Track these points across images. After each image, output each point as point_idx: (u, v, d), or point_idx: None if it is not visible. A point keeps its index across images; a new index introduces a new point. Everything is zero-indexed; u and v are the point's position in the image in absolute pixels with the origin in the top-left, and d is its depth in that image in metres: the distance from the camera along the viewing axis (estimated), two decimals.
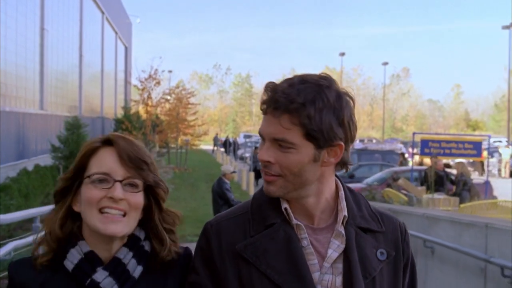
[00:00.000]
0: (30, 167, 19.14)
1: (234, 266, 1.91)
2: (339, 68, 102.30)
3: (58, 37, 26.96)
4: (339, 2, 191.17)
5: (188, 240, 12.16)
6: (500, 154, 38.64)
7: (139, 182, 1.90)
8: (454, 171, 18.19)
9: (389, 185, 18.59)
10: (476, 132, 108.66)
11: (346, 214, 1.92)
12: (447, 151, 18.32)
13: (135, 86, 38.07)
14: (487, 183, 19.12)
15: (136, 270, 1.92)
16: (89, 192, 1.85)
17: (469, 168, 34.87)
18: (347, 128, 1.86)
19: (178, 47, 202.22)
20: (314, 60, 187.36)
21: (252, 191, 25.50)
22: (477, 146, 18.88)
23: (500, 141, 56.35)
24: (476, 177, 23.56)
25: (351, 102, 1.90)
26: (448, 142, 18.76)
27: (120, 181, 1.86)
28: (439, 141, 18.81)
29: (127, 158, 1.88)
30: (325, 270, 1.88)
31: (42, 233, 1.99)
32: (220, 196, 12.02)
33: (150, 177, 1.93)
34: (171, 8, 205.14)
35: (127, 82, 52.50)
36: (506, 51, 53.71)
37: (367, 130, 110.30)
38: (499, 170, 37.67)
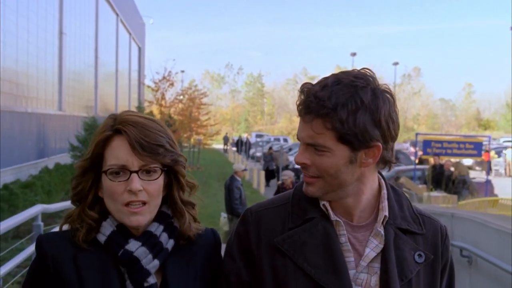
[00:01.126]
0: (50, 166, 20.12)
1: (270, 257, 1.91)
2: (350, 68, 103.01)
3: (75, 40, 27.96)
4: (351, 1, 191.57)
5: None
6: (505, 154, 39.26)
7: (156, 168, 1.88)
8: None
9: (397, 184, 19.40)
10: (487, 132, 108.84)
11: (387, 214, 1.89)
12: (449, 151, 19.09)
13: (148, 86, 39.04)
14: (487, 182, 19.85)
15: (168, 243, 1.93)
16: (111, 187, 1.85)
17: (477, 168, 35.66)
18: (385, 127, 1.82)
19: (190, 46, 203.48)
20: (326, 59, 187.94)
21: (262, 189, 26.32)
22: (477, 146, 19.67)
23: (510, 141, 56.70)
24: (478, 176, 24.25)
25: (390, 99, 1.86)
26: (449, 142, 19.56)
27: (136, 172, 1.84)
28: (441, 142, 19.60)
29: (139, 147, 1.84)
30: (361, 269, 1.87)
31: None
32: (231, 193, 12.90)
33: (167, 158, 1.90)
34: (183, 7, 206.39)
35: (140, 82, 53.49)
36: None
37: None
38: (505, 169, 38.30)
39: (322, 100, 1.78)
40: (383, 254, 1.85)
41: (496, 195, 19.54)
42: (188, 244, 1.99)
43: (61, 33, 24.69)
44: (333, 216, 1.88)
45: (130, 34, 49.38)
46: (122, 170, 1.84)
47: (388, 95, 1.85)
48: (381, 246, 1.87)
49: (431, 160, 18.64)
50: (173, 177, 1.95)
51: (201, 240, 2.03)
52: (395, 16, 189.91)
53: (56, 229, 6.04)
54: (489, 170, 23.75)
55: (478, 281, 6.61)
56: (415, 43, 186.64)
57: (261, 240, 1.93)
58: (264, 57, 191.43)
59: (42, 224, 5.60)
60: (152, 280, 1.87)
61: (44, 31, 22.23)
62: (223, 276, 2.00)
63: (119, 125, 1.86)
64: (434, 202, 15.13)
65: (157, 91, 35.69)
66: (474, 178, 22.74)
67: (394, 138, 1.87)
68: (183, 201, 1.98)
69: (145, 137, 1.84)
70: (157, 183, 1.89)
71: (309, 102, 1.80)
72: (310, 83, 1.86)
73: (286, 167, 30.13)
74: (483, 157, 38.32)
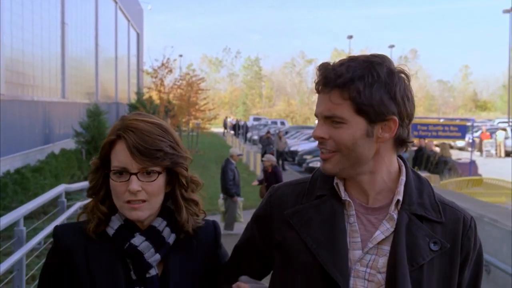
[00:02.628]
0: (56, 151, 21.14)
1: (280, 228, 1.99)
2: (347, 50, 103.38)
3: (76, 29, 28.87)
4: None
5: None
6: (496, 135, 40.17)
7: (155, 169, 1.97)
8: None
9: None
10: (484, 113, 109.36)
11: (401, 199, 1.88)
12: (434, 133, 20.02)
13: (148, 73, 39.90)
14: (471, 162, 20.82)
15: (170, 237, 2.05)
16: (114, 186, 1.97)
17: (469, 149, 36.58)
18: (401, 103, 1.83)
19: (188, 29, 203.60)
20: (323, 42, 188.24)
21: (258, 171, 27.20)
22: (462, 128, 20.63)
23: (506, 122, 57.46)
24: (464, 157, 25.20)
25: (406, 79, 1.87)
26: (435, 125, 20.51)
27: (136, 174, 1.94)
28: (427, 125, 20.54)
29: (137, 152, 1.93)
30: (368, 250, 1.86)
31: (85, 202, 2.16)
32: (225, 175, 13.93)
33: (167, 161, 1.99)
34: None
35: (139, 68, 54.31)
36: (510, 34, 54.95)
37: None
38: (496, 150, 39.24)
39: (340, 72, 1.82)
40: (394, 238, 1.84)
41: (480, 175, 20.47)
42: (188, 237, 2.09)
43: (63, 23, 25.60)
44: (344, 196, 1.91)
45: (128, 20, 50.08)
46: (123, 172, 1.95)
47: (403, 75, 1.88)
48: (392, 229, 1.85)
49: (416, 142, 19.57)
50: (174, 176, 2.05)
51: (201, 232, 2.14)
52: None
53: (76, 206, 7.02)
54: (471, 151, 24.52)
55: None
56: (413, 24, 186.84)
57: (275, 213, 2.01)
58: (263, 40, 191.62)
59: (65, 200, 6.63)
60: (153, 272, 2.01)
61: (47, 22, 23.18)
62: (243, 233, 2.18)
63: (120, 131, 1.98)
64: None
65: (156, 77, 36.65)
66: (460, 159, 23.77)
67: (409, 116, 1.88)
68: (185, 198, 2.08)
69: (143, 143, 1.93)
70: (156, 184, 1.98)
71: (327, 74, 1.85)
72: (326, 62, 1.92)
73: (287, 152, 31.01)
74: (481, 137, 39.54)
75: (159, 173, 1.98)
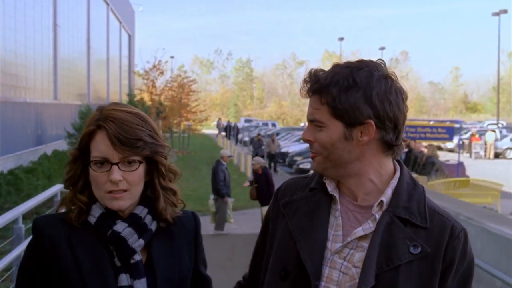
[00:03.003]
0: (48, 152, 21.34)
1: (277, 216, 2.09)
2: (338, 52, 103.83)
3: (68, 31, 29.07)
4: None
5: None
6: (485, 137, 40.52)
7: (136, 158, 1.98)
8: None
9: None
10: (475, 115, 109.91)
11: (385, 200, 1.90)
12: (423, 135, 20.33)
13: (139, 75, 40.09)
14: (459, 164, 21.14)
15: (152, 224, 2.07)
16: (95, 176, 1.98)
17: (458, 150, 36.93)
18: (378, 106, 1.86)
19: (180, 31, 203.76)
20: (315, 43, 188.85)
21: (249, 173, 27.45)
22: (449, 130, 20.96)
23: (495, 124, 57.93)
24: (452, 158, 25.50)
25: (388, 81, 1.91)
26: (423, 127, 20.84)
27: (117, 163, 1.95)
28: (415, 126, 20.84)
29: (118, 142, 1.94)
30: (347, 244, 1.91)
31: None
32: (215, 175, 14.18)
33: (146, 150, 1.99)
34: None
35: (131, 69, 54.49)
36: (504, 35, 55.48)
37: None
38: (485, 152, 39.59)
39: (319, 78, 1.91)
40: (371, 236, 1.88)
41: (467, 176, 20.79)
42: (169, 225, 2.11)
43: (55, 25, 25.80)
44: (330, 190, 1.97)
45: (120, 22, 50.26)
46: (104, 162, 1.95)
47: (393, 81, 1.91)
48: (373, 228, 1.89)
49: (407, 143, 19.85)
50: (154, 165, 2.06)
51: (181, 221, 2.15)
52: (385, 0, 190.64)
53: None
54: (459, 152, 24.81)
55: None
56: (404, 26, 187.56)
57: (277, 202, 2.11)
58: (254, 42, 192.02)
59: None
60: (137, 257, 2.01)
61: (40, 25, 23.38)
62: None
63: (100, 121, 1.97)
64: None
65: (147, 79, 36.89)
66: (448, 160, 24.09)
67: (393, 119, 1.89)
68: (163, 186, 2.09)
69: (124, 132, 1.93)
70: (137, 173, 1.99)
71: (309, 80, 1.94)
72: (313, 69, 1.98)
73: (279, 153, 31.09)
74: (470, 139, 39.91)
75: (140, 162, 1.99)
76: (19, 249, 5.38)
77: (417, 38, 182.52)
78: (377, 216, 1.89)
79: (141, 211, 2.04)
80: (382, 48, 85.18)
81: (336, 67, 1.93)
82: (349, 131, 1.88)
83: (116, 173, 1.94)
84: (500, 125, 56.11)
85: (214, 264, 10.55)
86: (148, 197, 2.08)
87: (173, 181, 2.15)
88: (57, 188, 7.02)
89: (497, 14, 55.89)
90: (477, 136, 40.74)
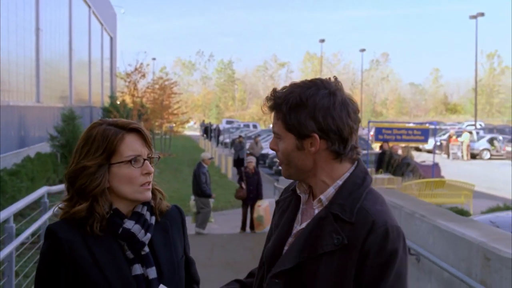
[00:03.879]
0: (31, 154, 21.57)
1: (273, 214, 2.44)
2: (319, 53, 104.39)
3: (50, 34, 29.25)
4: None
5: None
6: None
7: (153, 156, 2.33)
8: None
9: None
10: (455, 116, 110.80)
11: (323, 197, 2.15)
12: (398, 137, 20.65)
13: (121, 77, 40.33)
14: (433, 165, 21.59)
15: (151, 219, 2.34)
16: (130, 172, 2.25)
17: (436, 151, 37.49)
18: (321, 121, 2.10)
19: (161, 32, 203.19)
20: (296, 45, 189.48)
21: (230, 174, 27.81)
22: (424, 132, 21.41)
23: (473, 125, 58.74)
24: (428, 159, 25.97)
25: (331, 98, 2.12)
26: (399, 129, 21.23)
27: (146, 159, 2.29)
28: (391, 129, 21.25)
29: (147, 141, 2.31)
30: (293, 234, 2.22)
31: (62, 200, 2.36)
32: (196, 177, 14.60)
33: (152, 148, 2.35)
34: None
35: (112, 72, 54.61)
36: (481, 37, 56.27)
37: None
38: (462, 153, 40.24)
39: (275, 97, 2.18)
40: None
41: (442, 177, 21.26)
42: (163, 219, 2.40)
43: (37, 29, 26.02)
44: (298, 192, 2.26)
45: (102, 25, 50.26)
46: (138, 159, 2.26)
47: (336, 97, 2.12)
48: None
49: (383, 145, 20.26)
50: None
51: (170, 215, 2.44)
52: (365, 1, 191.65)
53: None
54: (434, 154, 25.20)
55: None
56: (384, 28, 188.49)
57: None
58: (236, 44, 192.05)
59: (47, 201, 7.27)
60: (147, 249, 2.29)
61: (22, 29, 23.61)
62: None
63: (136, 126, 2.30)
64: (380, 183, 16.83)
65: (129, 82, 37.13)
66: (424, 161, 24.62)
67: (336, 132, 2.10)
68: (153, 185, 2.39)
69: (149, 135, 2.34)
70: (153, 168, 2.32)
71: (269, 98, 2.21)
72: (275, 88, 2.26)
73: (260, 155, 31.30)
74: (449, 141, 40.50)
75: (150, 158, 2.32)
76: (11, 247, 5.77)
77: (398, 40, 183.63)
78: (316, 211, 2.16)
79: (142, 208, 2.32)
80: (363, 50, 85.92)
81: (292, 86, 2.19)
82: (300, 142, 2.14)
83: (150, 166, 2.29)
84: (479, 126, 56.98)
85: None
86: None
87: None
88: (44, 190, 7.41)
89: (475, 17, 56.79)
90: (454, 137, 41.41)
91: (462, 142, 40.12)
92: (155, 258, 2.31)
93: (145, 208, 2.34)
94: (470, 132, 42.27)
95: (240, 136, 31.56)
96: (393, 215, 2.18)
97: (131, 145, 2.27)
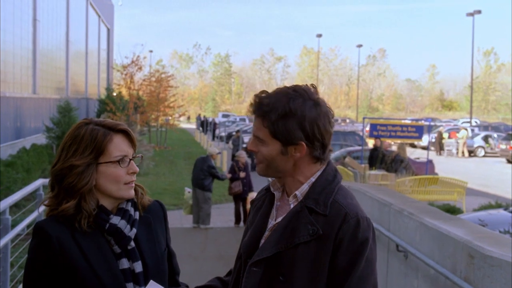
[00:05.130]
0: (27, 146, 21.65)
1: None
2: (316, 48, 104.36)
3: (48, 25, 29.32)
4: None
5: (167, 209, 14.76)
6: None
7: (137, 156, 2.42)
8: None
9: (343, 163, 21.22)
10: (451, 112, 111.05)
11: (298, 193, 2.29)
12: (393, 133, 20.76)
13: (118, 70, 40.29)
14: (427, 161, 21.71)
15: (135, 214, 2.42)
16: (117, 172, 2.34)
17: (432, 148, 37.59)
18: (309, 131, 2.22)
19: (159, 24, 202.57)
20: (293, 39, 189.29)
21: (225, 168, 27.84)
22: (419, 129, 21.52)
23: (468, 122, 58.84)
24: (422, 156, 26.08)
25: (323, 109, 2.27)
26: (393, 125, 21.31)
27: (131, 159, 2.38)
28: (386, 125, 21.34)
29: (133, 141, 2.40)
30: (269, 228, 2.34)
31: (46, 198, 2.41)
32: (203, 171, 14.53)
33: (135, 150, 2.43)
34: None
35: (109, 64, 54.58)
36: (478, 35, 56.38)
37: (344, 110, 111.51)
38: (457, 150, 40.38)
39: (262, 104, 2.26)
40: None
41: (436, 174, 21.36)
42: (145, 214, 2.48)
43: (35, 20, 26.06)
44: (272, 190, 2.39)
45: (99, 16, 50.29)
46: (124, 159, 2.34)
47: (320, 107, 2.26)
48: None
49: (375, 142, 20.39)
50: None
51: (152, 210, 2.52)
52: None
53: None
54: (428, 151, 25.26)
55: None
56: (381, 24, 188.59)
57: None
58: (233, 37, 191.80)
59: (43, 193, 7.35)
60: (133, 244, 2.36)
61: (19, 20, 23.65)
62: None
63: (123, 127, 2.38)
64: (373, 179, 16.96)
65: (126, 75, 37.13)
66: (418, 158, 24.74)
67: (320, 139, 2.26)
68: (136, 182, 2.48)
69: (134, 136, 2.42)
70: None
71: (254, 103, 2.29)
72: (261, 91, 2.33)
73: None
74: (441, 138, 40.65)
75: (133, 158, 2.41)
76: (6, 239, 5.86)
77: (394, 36, 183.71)
78: (292, 206, 2.31)
79: (126, 204, 2.40)
80: (360, 46, 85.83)
81: (278, 93, 2.29)
82: (285, 148, 2.26)
83: (136, 166, 2.38)
84: (474, 123, 57.11)
85: (187, 256, 11.09)
86: None
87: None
88: (40, 182, 7.49)
89: (471, 14, 56.84)
90: (444, 135, 41.57)
91: (459, 139, 40.13)
92: (140, 252, 2.39)
93: (129, 204, 2.42)
94: (466, 129, 42.33)
95: (237, 131, 31.40)
96: (362, 207, 2.32)
97: (119, 146, 2.34)
